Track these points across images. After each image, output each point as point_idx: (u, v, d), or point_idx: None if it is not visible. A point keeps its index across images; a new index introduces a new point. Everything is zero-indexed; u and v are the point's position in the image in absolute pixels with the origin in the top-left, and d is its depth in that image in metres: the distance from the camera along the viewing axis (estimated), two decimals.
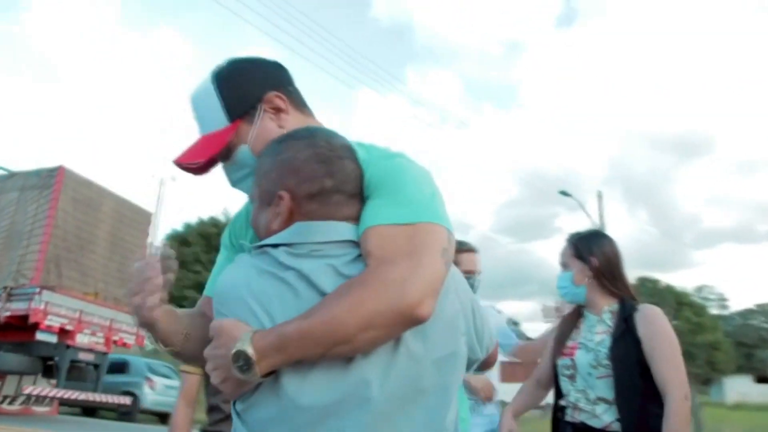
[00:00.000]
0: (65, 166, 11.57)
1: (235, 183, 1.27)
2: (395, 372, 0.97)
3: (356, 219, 1.07)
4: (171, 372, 15.06)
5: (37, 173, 11.70)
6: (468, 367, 1.15)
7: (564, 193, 23.93)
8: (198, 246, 27.12)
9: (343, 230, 1.05)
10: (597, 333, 2.29)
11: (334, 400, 0.94)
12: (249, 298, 0.99)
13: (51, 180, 11.35)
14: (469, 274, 2.74)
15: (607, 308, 2.33)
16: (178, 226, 30.77)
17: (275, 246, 1.04)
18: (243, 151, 1.21)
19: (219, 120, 1.21)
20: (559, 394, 2.36)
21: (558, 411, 2.35)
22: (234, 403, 1.03)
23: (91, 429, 11.99)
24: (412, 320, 0.95)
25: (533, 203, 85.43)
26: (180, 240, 28.21)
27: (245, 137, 1.21)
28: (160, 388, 14.48)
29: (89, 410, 14.95)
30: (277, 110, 1.22)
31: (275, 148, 1.12)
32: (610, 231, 20.33)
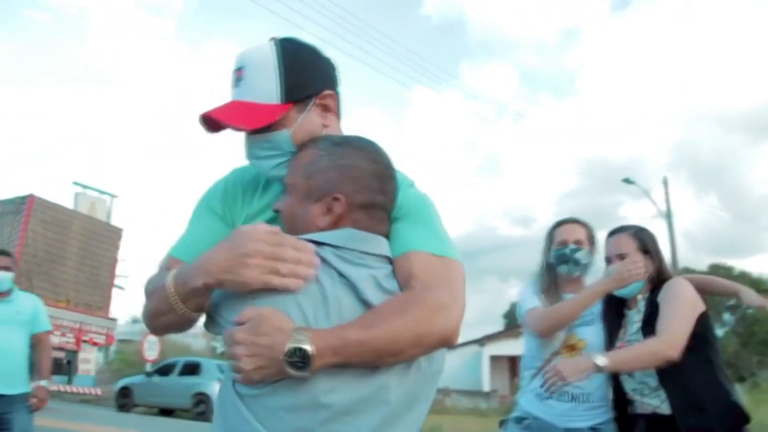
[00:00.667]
0: (35, 194, 13.74)
1: (257, 158, 1.24)
2: (407, 381, 1.06)
3: (386, 236, 1.16)
4: None
5: (12, 201, 13.82)
6: None
7: (627, 181, 22.65)
8: None
9: (384, 245, 1.14)
10: (635, 323, 2.41)
11: (356, 400, 1.02)
12: (304, 293, 1.02)
13: (22, 206, 13.54)
14: (569, 245, 2.59)
15: (640, 297, 2.44)
16: None
17: (318, 244, 1.08)
18: (284, 134, 1.21)
19: (269, 94, 1.19)
20: (618, 390, 2.43)
21: (622, 405, 2.42)
22: (234, 384, 1.05)
23: (171, 429, 13.16)
24: (448, 344, 1.08)
25: (596, 192, 79.99)
26: None
27: (290, 123, 1.21)
28: None
29: (166, 411, 16.03)
30: (326, 109, 1.25)
31: (335, 150, 1.17)
32: (677, 217, 18.48)
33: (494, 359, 27.60)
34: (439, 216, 1.23)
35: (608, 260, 2.50)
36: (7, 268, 4.05)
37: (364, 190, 1.13)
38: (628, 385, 2.39)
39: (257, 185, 1.33)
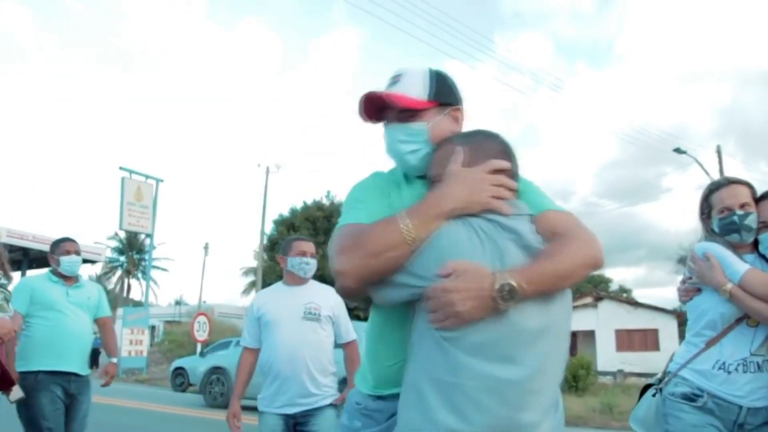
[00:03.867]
0: None
1: (398, 142, 1.51)
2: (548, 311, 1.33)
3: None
4: None
5: None
6: None
7: (679, 151, 22.21)
8: (305, 230, 27.93)
9: (526, 207, 1.43)
10: None
11: (543, 326, 1.30)
12: (481, 247, 1.29)
13: None
14: (735, 211, 2.37)
15: None
16: (285, 212, 31.88)
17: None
18: (422, 126, 1.49)
19: (420, 92, 1.50)
20: None
21: None
22: (438, 331, 1.26)
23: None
24: (600, 265, 1.38)
25: (638, 163, 77.52)
26: (287, 225, 29.57)
27: (429, 118, 1.50)
28: None
29: None
30: (456, 120, 1.56)
31: (467, 138, 1.48)
32: None
33: None
34: None
35: (764, 226, 2.33)
36: (77, 253, 4.07)
37: (514, 162, 1.46)
38: None
39: (399, 182, 1.59)
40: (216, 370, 13.04)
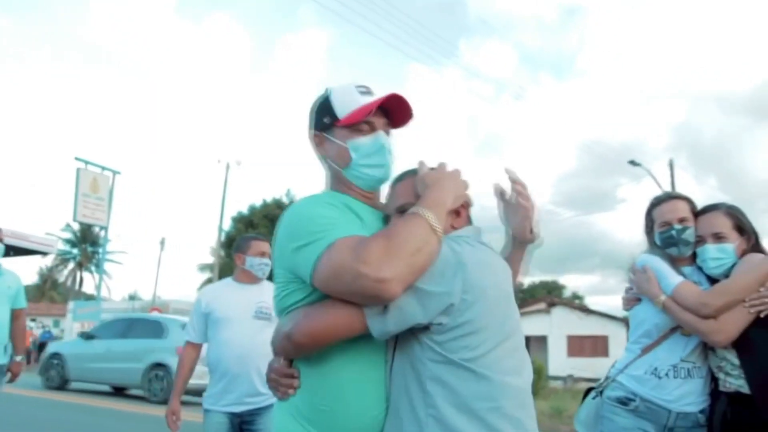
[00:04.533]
0: None
1: (389, 153, 1.54)
2: None
3: None
4: None
5: None
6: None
7: (634, 163, 22.71)
8: (263, 227, 27.79)
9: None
10: None
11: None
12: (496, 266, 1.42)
13: None
14: (674, 226, 2.45)
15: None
16: (244, 209, 31.72)
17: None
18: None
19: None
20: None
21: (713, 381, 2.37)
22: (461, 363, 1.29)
23: None
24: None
25: (594, 174, 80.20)
26: (246, 222, 29.38)
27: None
28: None
29: None
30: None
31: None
32: None
33: None
34: None
35: (701, 240, 2.40)
36: (1, 240, 4.01)
37: (467, 196, 1.53)
38: (712, 362, 2.32)
39: (349, 205, 1.50)
40: (157, 366, 12.14)
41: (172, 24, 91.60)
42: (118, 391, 13.66)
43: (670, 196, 2.56)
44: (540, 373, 18.16)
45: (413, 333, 1.31)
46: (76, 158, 22.05)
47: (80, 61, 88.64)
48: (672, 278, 2.37)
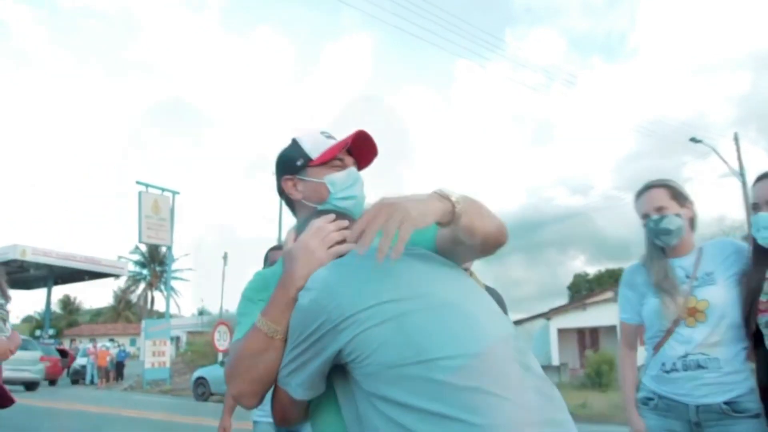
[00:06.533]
0: None
1: (362, 190, 1.59)
2: None
3: None
4: None
5: None
6: None
7: (694, 140, 22.09)
8: None
9: None
10: None
11: None
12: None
13: None
14: (651, 217, 2.35)
15: None
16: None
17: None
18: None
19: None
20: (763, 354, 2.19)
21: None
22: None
23: (247, 415, 14.18)
24: None
25: (657, 154, 76.08)
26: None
27: None
28: None
29: None
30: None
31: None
32: (750, 174, 17.74)
33: (562, 332, 27.11)
34: None
35: (756, 207, 2.22)
36: None
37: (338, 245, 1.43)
38: (761, 320, 2.15)
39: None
40: None
41: (219, 38, 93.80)
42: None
43: (647, 187, 2.41)
44: (611, 364, 17.70)
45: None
46: (137, 182, 22.93)
47: (130, 84, 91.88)
48: (623, 313, 2.62)
